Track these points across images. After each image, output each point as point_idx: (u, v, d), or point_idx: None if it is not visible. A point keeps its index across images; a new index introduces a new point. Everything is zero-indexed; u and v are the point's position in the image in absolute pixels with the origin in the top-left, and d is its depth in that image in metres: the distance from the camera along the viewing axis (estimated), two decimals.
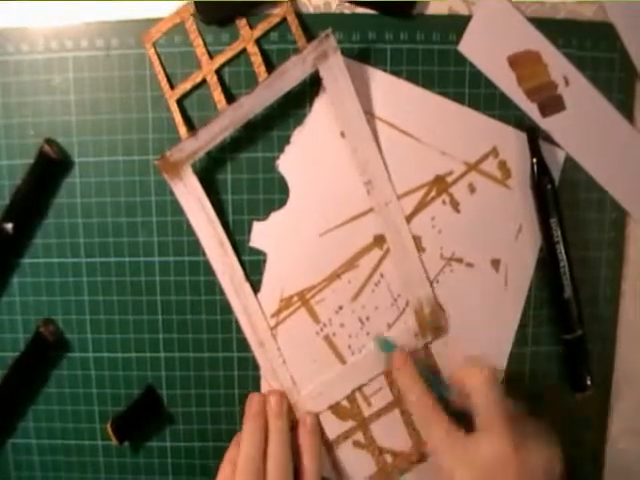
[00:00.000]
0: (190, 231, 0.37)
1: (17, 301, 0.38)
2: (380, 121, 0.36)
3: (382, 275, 0.37)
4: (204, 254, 0.37)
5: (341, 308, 0.37)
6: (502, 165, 0.36)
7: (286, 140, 0.36)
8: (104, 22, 0.36)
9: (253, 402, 0.36)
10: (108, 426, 0.37)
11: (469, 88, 0.36)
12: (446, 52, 0.36)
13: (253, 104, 0.34)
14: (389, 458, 0.38)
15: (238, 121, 0.34)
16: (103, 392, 0.38)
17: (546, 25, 0.36)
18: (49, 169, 0.36)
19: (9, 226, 0.36)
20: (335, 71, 0.34)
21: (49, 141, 0.36)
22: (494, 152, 0.36)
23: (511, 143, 0.36)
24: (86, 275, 0.37)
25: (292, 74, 0.34)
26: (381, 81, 0.36)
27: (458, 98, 0.36)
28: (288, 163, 0.36)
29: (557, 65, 0.36)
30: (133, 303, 0.38)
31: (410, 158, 0.36)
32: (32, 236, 0.37)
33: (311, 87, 0.36)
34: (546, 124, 0.36)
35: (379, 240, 0.36)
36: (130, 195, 0.37)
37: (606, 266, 0.38)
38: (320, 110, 0.36)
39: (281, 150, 0.36)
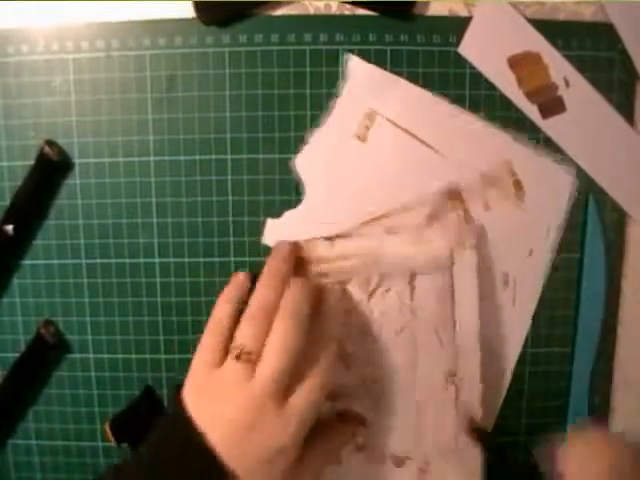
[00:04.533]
0: (190, 232, 0.37)
1: (17, 302, 0.38)
2: (399, 128, 0.36)
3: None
4: (204, 255, 0.37)
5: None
6: (517, 184, 0.36)
7: (296, 142, 0.36)
8: (105, 23, 0.36)
9: (284, 245, 0.35)
10: (106, 426, 0.37)
11: (469, 90, 0.36)
12: (446, 54, 0.36)
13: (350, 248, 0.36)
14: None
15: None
16: (103, 393, 0.38)
17: (546, 26, 0.36)
18: (49, 170, 0.36)
19: (9, 227, 0.36)
20: (467, 270, 0.35)
21: (49, 142, 0.36)
22: (511, 171, 0.36)
23: (527, 163, 0.36)
24: (86, 276, 0.37)
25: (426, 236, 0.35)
26: (401, 88, 0.36)
27: (458, 100, 0.36)
28: (306, 162, 0.36)
29: (557, 66, 0.36)
30: (133, 304, 0.38)
31: (426, 168, 0.36)
32: (32, 237, 0.37)
33: (328, 88, 0.36)
34: (546, 126, 0.36)
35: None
36: (130, 196, 0.37)
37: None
38: (339, 111, 0.36)
39: (283, 152, 0.36)
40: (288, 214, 0.37)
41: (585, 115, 0.36)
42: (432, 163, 0.36)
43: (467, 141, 0.36)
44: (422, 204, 0.36)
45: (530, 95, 0.36)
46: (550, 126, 0.36)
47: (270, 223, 0.37)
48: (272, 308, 0.31)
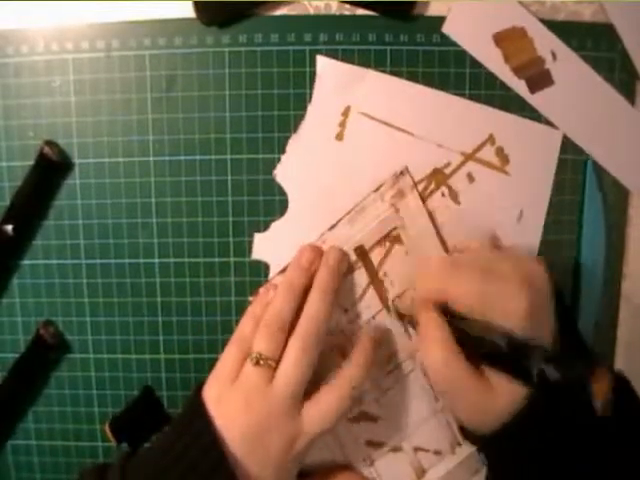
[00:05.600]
0: (190, 232, 0.37)
1: (17, 303, 0.38)
2: (374, 120, 0.36)
3: (385, 274, 0.37)
4: (204, 256, 0.37)
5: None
6: (500, 152, 0.36)
7: (286, 142, 0.36)
8: (105, 23, 0.36)
9: (306, 251, 0.34)
10: (106, 426, 0.37)
11: (469, 89, 0.36)
12: (446, 53, 0.36)
13: (335, 240, 0.36)
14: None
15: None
16: (103, 393, 0.38)
17: (546, 26, 0.35)
18: (49, 171, 0.36)
19: (9, 228, 0.36)
20: (413, 210, 0.36)
21: (49, 143, 0.36)
22: (491, 139, 0.36)
23: (508, 129, 0.36)
24: (86, 277, 0.37)
25: (371, 211, 0.36)
26: (370, 79, 0.36)
27: None
28: (285, 173, 0.36)
29: (543, 40, 0.36)
30: (133, 305, 0.38)
31: (406, 154, 0.36)
32: (32, 238, 0.37)
33: (311, 89, 0.36)
34: (535, 100, 0.36)
35: (381, 240, 0.36)
36: (130, 197, 0.37)
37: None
38: (313, 116, 0.36)
39: (283, 152, 0.36)
40: (275, 226, 0.37)
41: (574, 87, 0.36)
42: (412, 148, 0.36)
43: (445, 120, 0.36)
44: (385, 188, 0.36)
45: (517, 70, 0.36)
46: (539, 100, 0.36)
47: (258, 237, 0.37)
48: (287, 317, 0.32)
